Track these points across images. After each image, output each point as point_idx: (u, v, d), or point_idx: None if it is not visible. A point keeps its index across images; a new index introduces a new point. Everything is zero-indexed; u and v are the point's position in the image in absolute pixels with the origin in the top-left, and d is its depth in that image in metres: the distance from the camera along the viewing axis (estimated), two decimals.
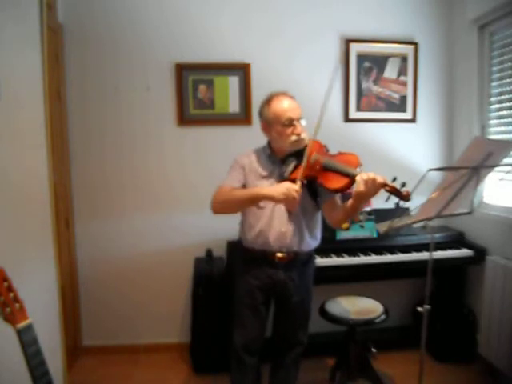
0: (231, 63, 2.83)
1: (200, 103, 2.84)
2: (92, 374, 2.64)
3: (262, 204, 1.81)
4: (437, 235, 2.56)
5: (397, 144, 3.01)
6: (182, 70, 2.79)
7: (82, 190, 2.82)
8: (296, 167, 1.74)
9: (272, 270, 1.85)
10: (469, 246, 2.71)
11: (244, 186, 1.83)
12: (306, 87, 2.76)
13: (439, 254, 2.57)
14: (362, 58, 2.91)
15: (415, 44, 2.95)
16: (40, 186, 2.01)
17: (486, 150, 1.62)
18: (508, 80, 2.56)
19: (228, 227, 2.47)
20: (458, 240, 2.78)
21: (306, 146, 1.78)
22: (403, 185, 1.53)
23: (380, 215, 2.62)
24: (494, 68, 2.67)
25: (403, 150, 3.01)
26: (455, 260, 2.65)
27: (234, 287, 2.00)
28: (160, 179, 2.87)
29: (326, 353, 2.74)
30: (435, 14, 2.98)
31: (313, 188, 1.79)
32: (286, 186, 1.60)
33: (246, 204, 1.79)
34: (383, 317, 2.22)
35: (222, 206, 1.78)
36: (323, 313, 2.27)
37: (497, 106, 2.67)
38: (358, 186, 1.54)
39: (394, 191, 1.54)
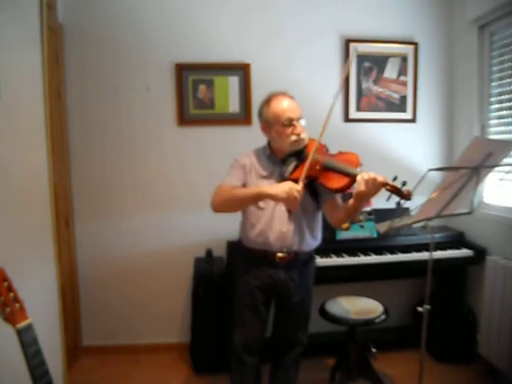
0: (231, 63, 2.83)
1: (200, 103, 2.84)
2: (92, 373, 2.64)
3: (262, 204, 1.81)
4: (437, 235, 2.56)
5: (397, 144, 3.01)
6: (182, 70, 2.79)
7: (82, 190, 2.82)
8: (296, 167, 1.74)
9: (272, 270, 1.85)
10: (469, 246, 2.71)
11: (244, 186, 1.83)
12: (305, 87, 2.77)
13: (439, 254, 2.57)
14: (361, 57, 2.91)
15: (415, 44, 2.95)
16: (40, 186, 2.01)
17: (485, 150, 1.62)
18: (508, 80, 2.56)
19: (228, 227, 2.48)
20: (457, 240, 2.78)
21: (306, 146, 1.79)
22: (404, 184, 1.53)
23: (380, 215, 2.62)
24: (494, 68, 2.67)
25: (403, 150, 3.01)
26: (455, 260, 2.65)
27: (234, 287, 2.00)
28: (160, 179, 2.87)
29: (325, 353, 2.74)
30: (435, 14, 2.98)
31: (313, 188, 1.79)
32: (289, 186, 1.60)
33: (247, 202, 1.79)
34: (383, 317, 2.22)
35: (223, 204, 1.78)
36: (323, 313, 2.27)
37: (497, 106, 2.67)
38: (359, 186, 1.54)
39: (395, 190, 1.54)
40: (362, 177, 1.54)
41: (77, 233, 2.84)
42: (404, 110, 3.00)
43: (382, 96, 2.98)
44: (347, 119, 2.95)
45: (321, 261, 2.49)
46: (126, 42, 2.76)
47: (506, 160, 1.96)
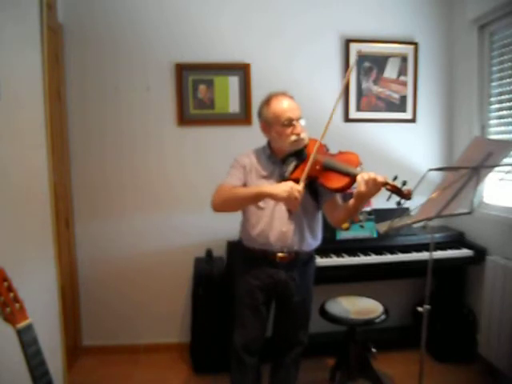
0: (231, 63, 2.83)
1: (200, 103, 2.84)
2: (92, 373, 2.64)
3: (262, 205, 1.81)
4: (437, 235, 2.56)
5: (397, 144, 3.01)
6: (182, 70, 2.79)
7: (82, 190, 2.82)
8: (296, 167, 1.74)
9: (273, 270, 1.85)
10: (469, 246, 2.71)
11: (244, 185, 1.83)
12: (305, 87, 2.77)
13: (439, 254, 2.57)
14: (361, 57, 2.91)
15: (415, 44, 2.95)
16: (40, 186, 2.01)
17: (486, 150, 1.62)
18: (508, 80, 2.56)
19: (228, 227, 2.48)
20: (458, 240, 2.78)
21: (306, 145, 1.79)
22: (404, 183, 1.53)
23: (380, 215, 2.62)
24: (494, 68, 2.67)
25: (403, 150, 3.01)
26: (455, 260, 2.65)
27: (235, 287, 2.00)
28: (160, 179, 2.87)
29: (326, 353, 2.74)
30: (435, 14, 2.98)
31: (313, 188, 1.79)
32: (290, 186, 1.59)
33: (248, 202, 1.79)
34: (383, 317, 2.22)
35: (223, 204, 1.78)
36: (323, 313, 2.27)
37: (497, 106, 2.67)
38: (359, 187, 1.54)
39: (395, 190, 1.54)
40: (362, 177, 1.54)
41: (77, 233, 2.84)
42: (404, 110, 3.00)
43: (382, 96, 2.98)
44: (347, 119, 2.95)
45: (321, 261, 2.49)
46: (126, 42, 2.76)
47: (506, 160, 1.96)
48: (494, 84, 2.68)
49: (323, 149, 1.81)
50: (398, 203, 1.54)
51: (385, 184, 1.54)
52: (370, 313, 2.23)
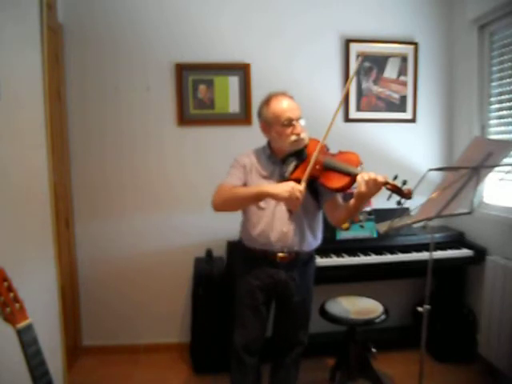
0: (231, 63, 2.83)
1: (200, 103, 2.84)
2: (92, 373, 2.64)
3: (263, 205, 1.81)
4: (437, 235, 2.56)
5: (397, 144, 3.01)
6: (182, 70, 2.79)
7: (82, 190, 2.82)
8: (296, 167, 1.74)
9: (273, 270, 1.85)
10: (469, 246, 2.71)
11: (244, 185, 1.83)
12: (305, 87, 2.78)
13: (439, 254, 2.57)
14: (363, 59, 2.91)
15: (415, 44, 2.95)
16: (40, 186, 2.01)
17: (486, 150, 1.62)
18: (508, 80, 2.56)
19: (228, 227, 2.48)
20: (458, 240, 2.78)
21: (306, 145, 1.79)
22: (404, 183, 1.54)
23: (380, 215, 2.62)
24: (494, 68, 2.67)
25: (403, 150, 3.01)
26: (455, 260, 2.65)
27: (235, 287, 2.00)
28: (160, 179, 2.87)
29: (326, 353, 2.74)
30: (435, 14, 2.98)
31: (314, 187, 1.79)
32: (291, 185, 1.59)
33: (249, 202, 1.79)
34: (383, 317, 2.22)
35: (224, 203, 1.78)
36: (323, 313, 2.27)
37: (497, 105, 2.67)
38: (360, 187, 1.54)
39: (396, 189, 1.54)
40: (362, 177, 1.54)
41: (77, 233, 2.84)
42: (404, 110, 3.00)
43: (382, 96, 2.98)
44: (347, 119, 2.95)
45: (321, 261, 2.49)
46: (126, 42, 2.76)
47: (506, 160, 1.96)
48: (493, 84, 2.68)
49: (324, 149, 1.81)
50: (399, 203, 1.54)
51: (385, 183, 1.54)
52: (370, 313, 2.23)
